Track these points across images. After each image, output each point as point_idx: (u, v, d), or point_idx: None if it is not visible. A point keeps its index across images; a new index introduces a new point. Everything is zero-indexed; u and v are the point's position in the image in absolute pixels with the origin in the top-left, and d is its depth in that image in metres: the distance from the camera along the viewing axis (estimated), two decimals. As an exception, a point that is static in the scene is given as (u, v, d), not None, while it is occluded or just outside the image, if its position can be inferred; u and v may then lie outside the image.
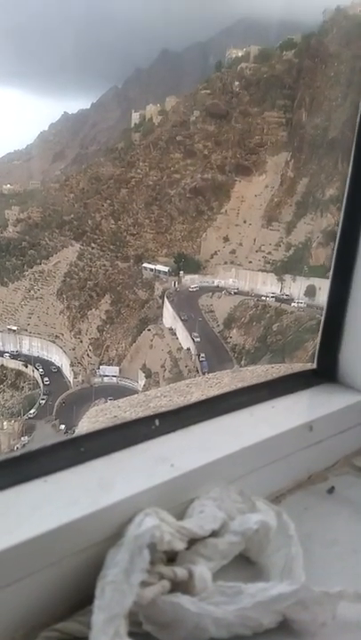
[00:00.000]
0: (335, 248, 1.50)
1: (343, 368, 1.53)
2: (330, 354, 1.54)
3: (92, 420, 2.18)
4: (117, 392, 57.64)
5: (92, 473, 1.04)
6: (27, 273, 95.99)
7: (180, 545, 0.97)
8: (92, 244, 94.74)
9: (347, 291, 1.49)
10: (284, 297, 73.38)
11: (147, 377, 67.51)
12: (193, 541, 1.00)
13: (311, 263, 74.90)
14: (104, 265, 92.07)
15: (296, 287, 73.50)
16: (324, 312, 1.56)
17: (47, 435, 56.67)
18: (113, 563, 0.90)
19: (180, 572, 0.93)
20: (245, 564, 1.07)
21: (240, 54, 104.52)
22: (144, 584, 0.88)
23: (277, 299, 73.10)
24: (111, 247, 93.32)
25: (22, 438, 60.99)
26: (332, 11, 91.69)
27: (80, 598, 0.92)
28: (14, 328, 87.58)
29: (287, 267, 77.49)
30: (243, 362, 59.38)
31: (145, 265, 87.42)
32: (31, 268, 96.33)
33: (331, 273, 1.52)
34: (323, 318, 1.57)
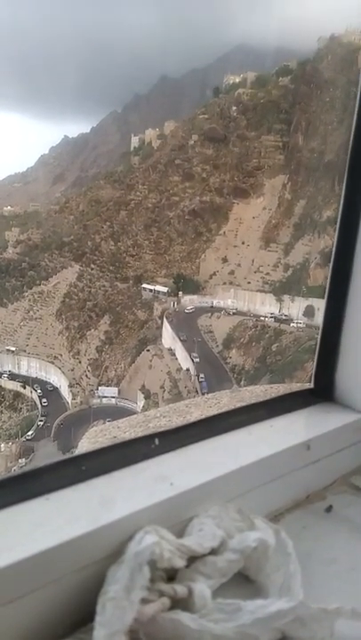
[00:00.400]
0: (330, 269, 1.52)
1: (340, 387, 1.54)
2: (327, 373, 1.56)
3: (91, 440, 2.19)
4: (116, 413, 57.17)
5: (93, 491, 1.05)
6: (26, 294, 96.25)
7: (179, 562, 0.98)
8: (92, 265, 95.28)
9: (342, 311, 1.50)
10: (283, 317, 73.50)
11: (146, 398, 67.09)
12: (192, 559, 1.01)
13: (309, 284, 75.26)
14: (103, 286, 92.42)
15: (295, 307, 73.71)
16: (320, 332, 1.57)
17: (45, 457, 56.01)
18: (114, 579, 0.91)
19: (179, 589, 0.94)
20: (244, 582, 1.08)
21: (237, 80, 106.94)
22: (144, 601, 0.89)
23: (276, 319, 73.21)
24: (110, 268, 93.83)
25: (20, 460, 60.26)
26: (326, 38, 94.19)
27: (81, 615, 0.93)
28: (13, 349, 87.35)
29: (286, 287, 77.87)
30: (242, 382, 59.12)
31: (144, 286, 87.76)
32: (31, 288, 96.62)
33: (326, 293, 1.53)
34: (319, 338, 1.58)
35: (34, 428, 69.89)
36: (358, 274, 1.47)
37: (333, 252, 1.50)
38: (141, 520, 0.99)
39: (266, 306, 77.83)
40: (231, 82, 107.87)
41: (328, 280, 1.52)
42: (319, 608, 0.95)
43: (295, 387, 1.84)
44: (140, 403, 66.66)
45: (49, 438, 64.90)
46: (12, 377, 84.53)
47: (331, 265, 1.52)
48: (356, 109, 1.42)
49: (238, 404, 1.89)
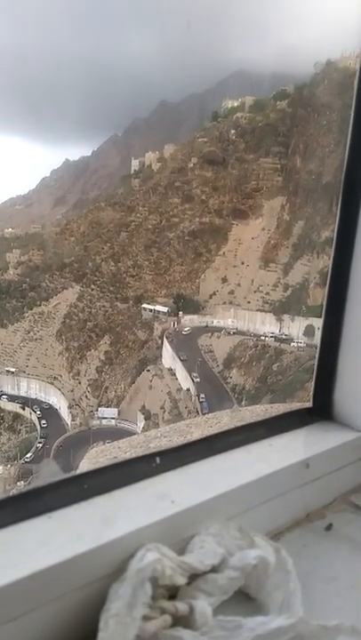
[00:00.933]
0: (326, 288, 1.54)
1: (338, 406, 1.56)
2: (325, 392, 1.57)
3: (92, 460, 2.18)
4: (116, 435, 56.54)
5: (94, 509, 1.06)
6: (26, 314, 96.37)
7: (180, 580, 0.98)
8: (92, 286, 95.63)
9: (339, 330, 1.52)
10: (284, 337, 73.43)
11: (146, 419, 66.53)
12: (194, 577, 1.02)
13: (309, 303, 75.39)
14: (104, 306, 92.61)
15: (295, 327, 73.69)
16: (317, 351, 1.60)
17: (44, 480, 55.34)
18: (116, 596, 0.92)
19: (181, 606, 0.95)
20: (245, 599, 1.08)
21: (235, 104, 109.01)
22: (146, 618, 0.89)
23: (277, 338, 73.13)
24: (111, 288, 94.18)
25: (18, 483, 59.42)
26: (322, 64, 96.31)
27: (84, 633, 0.93)
28: (12, 370, 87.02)
29: (285, 307, 78.05)
30: (243, 402, 58.70)
31: (144, 306, 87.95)
32: (31, 309, 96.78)
33: (323, 313, 1.55)
34: (317, 357, 1.60)
35: (33, 449, 69.14)
36: (354, 293, 1.48)
37: (330, 272, 1.52)
38: (143, 538, 1.00)
39: (266, 325, 77.85)
40: (230, 106, 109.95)
41: (325, 299, 1.54)
42: (319, 625, 0.95)
43: (294, 406, 1.85)
44: (141, 424, 66.08)
45: (48, 459, 64.13)
46: (12, 398, 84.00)
47: (327, 284, 1.54)
48: (350, 133, 1.44)
49: (238, 424, 1.89)
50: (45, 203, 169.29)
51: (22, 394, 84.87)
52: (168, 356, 73.46)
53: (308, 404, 1.61)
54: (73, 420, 75.45)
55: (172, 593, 0.99)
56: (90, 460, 2.20)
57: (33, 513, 1.02)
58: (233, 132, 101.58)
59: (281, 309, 78.39)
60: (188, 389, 65.07)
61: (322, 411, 1.57)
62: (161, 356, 76.20)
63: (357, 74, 1.43)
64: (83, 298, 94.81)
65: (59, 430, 73.39)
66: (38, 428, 75.95)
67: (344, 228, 1.47)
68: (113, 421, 73.24)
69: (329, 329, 1.56)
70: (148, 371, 74.99)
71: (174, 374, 69.98)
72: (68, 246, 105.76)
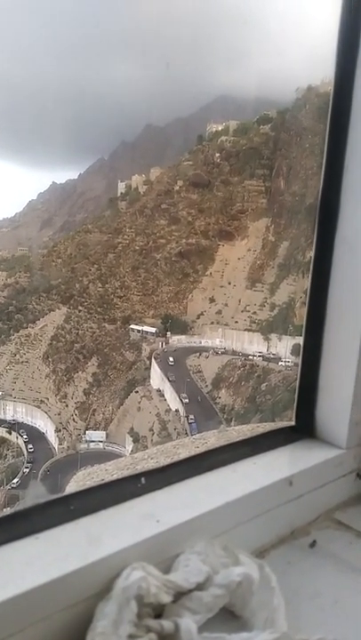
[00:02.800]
0: (306, 309, 1.57)
1: (320, 424, 1.57)
2: (307, 410, 1.59)
3: (79, 483, 2.22)
4: (104, 458, 55.47)
5: (81, 530, 1.06)
6: (13, 337, 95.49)
7: (166, 598, 0.99)
8: (80, 307, 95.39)
9: (319, 348, 1.54)
10: (271, 356, 73.68)
11: (135, 441, 65.74)
12: (179, 595, 1.02)
13: (296, 322, 75.84)
14: (91, 327, 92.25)
15: (282, 346, 74.02)
16: (299, 370, 1.62)
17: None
18: (102, 615, 0.92)
19: (166, 625, 0.95)
20: (230, 617, 1.09)
21: (220, 128, 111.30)
22: (132, 637, 0.90)
23: (264, 358, 73.33)
24: (98, 310, 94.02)
25: (5, 510, 57.95)
26: (303, 89, 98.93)
27: None
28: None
29: (273, 326, 78.52)
30: (233, 422, 58.40)
31: (132, 326, 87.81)
32: (17, 332, 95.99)
33: (303, 332, 1.57)
34: (298, 376, 1.62)
35: (19, 475, 67.71)
36: (332, 313, 1.51)
37: (308, 293, 1.55)
38: (129, 557, 1.01)
39: (254, 345, 78.10)
40: (214, 130, 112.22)
41: (305, 318, 1.57)
42: (302, 639, 0.97)
43: (278, 424, 1.88)
44: (129, 446, 65.24)
45: (35, 481, 62.85)
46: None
47: (306, 305, 1.57)
48: (325, 157, 1.49)
49: (224, 443, 1.88)
50: (32, 225, 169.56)
51: (8, 418, 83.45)
52: (157, 377, 73.11)
53: (292, 423, 1.63)
54: (60, 444, 74.25)
55: (158, 611, 1.00)
56: (77, 483, 2.22)
57: (19, 534, 1.02)
58: (218, 155, 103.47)
59: (268, 329, 78.83)
60: (177, 410, 64.63)
61: (305, 428, 1.59)
62: (149, 376, 75.81)
63: (331, 99, 1.49)
64: (70, 319, 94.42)
65: (46, 454, 72.09)
66: (25, 452, 74.52)
67: (321, 250, 1.51)
68: (101, 444, 72.22)
69: (310, 348, 1.58)
70: (137, 392, 74.46)
71: (163, 395, 69.56)
72: (55, 268, 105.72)
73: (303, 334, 1.59)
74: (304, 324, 1.58)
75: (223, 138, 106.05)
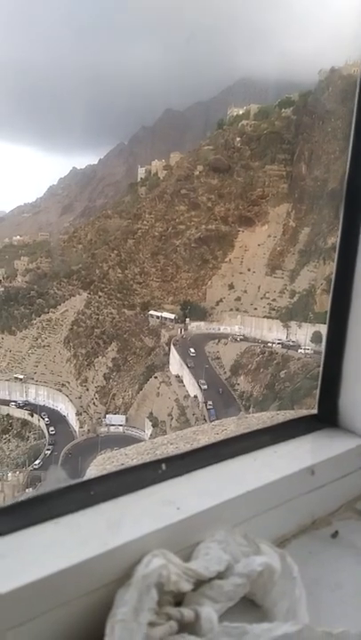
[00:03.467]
0: (330, 295, 1.59)
1: (343, 413, 1.57)
2: (330, 399, 1.59)
3: (99, 467, 2.26)
4: (124, 442, 56.49)
5: (101, 515, 1.07)
6: (34, 321, 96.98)
7: (186, 586, 0.99)
8: (100, 293, 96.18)
9: (343, 337, 1.56)
10: (291, 343, 73.38)
11: (154, 425, 66.64)
12: (199, 583, 1.03)
13: (316, 310, 75.37)
14: (111, 313, 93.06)
15: (302, 333, 73.64)
16: (322, 358, 1.65)
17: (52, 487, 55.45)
18: (122, 602, 0.92)
19: (186, 613, 0.95)
20: (251, 606, 1.09)
21: (241, 112, 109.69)
22: (152, 624, 0.90)
23: (284, 345, 73.07)
24: (118, 295, 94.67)
25: (27, 490, 59.67)
26: (326, 71, 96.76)
27: (91, 638, 0.94)
28: (21, 377, 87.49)
29: (292, 313, 78.06)
30: (251, 409, 58.75)
31: (151, 312, 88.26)
32: (39, 316, 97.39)
33: (327, 319, 1.60)
34: (321, 364, 1.65)
35: (41, 457, 69.34)
36: (358, 300, 1.51)
37: (333, 280, 1.55)
38: (149, 544, 1.01)
39: (273, 332, 77.82)
40: (235, 114, 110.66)
41: (329, 306, 1.58)
42: (324, 631, 0.96)
43: (299, 413, 1.93)
44: (148, 430, 66.18)
45: (55, 465, 64.34)
46: (20, 405, 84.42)
47: (331, 292, 1.57)
48: (352, 141, 1.46)
49: (244, 431, 2.02)
50: (53, 211, 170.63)
51: (31, 400, 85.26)
52: (175, 363, 73.63)
53: (314, 411, 1.64)
54: (81, 427, 75.66)
55: (178, 599, 1.00)
56: (97, 467, 2.26)
57: (39, 519, 1.03)
58: (238, 139, 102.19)
59: (288, 316, 78.39)
60: (196, 396, 65.16)
61: (327, 417, 1.59)
62: (168, 362, 76.38)
63: (358, 81, 1.44)
64: (90, 305, 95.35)
65: (67, 437, 73.55)
66: (47, 434, 76.21)
67: (347, 236, 1.52)
68: (121, 428, 73.37)
69: (333, 336, 1.59)
70: (156, 377, 75.16)
71: (182, 381, 70.10)
72: (75, 254, 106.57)
73: (327, 321, 1.61)
74: (328, 310, 1.59)
75: (244, 122, 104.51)
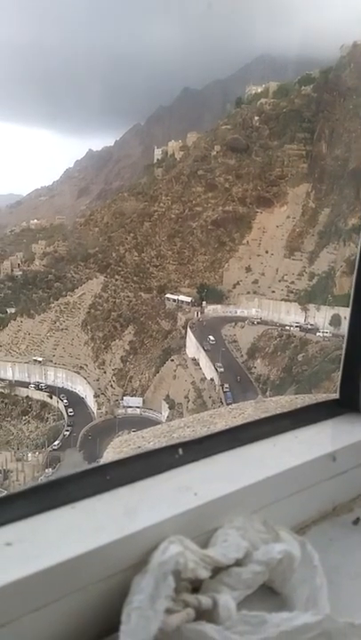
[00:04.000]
0: (354, 277, 1.51)
1: None
2: (352, 384, 1.54)
3: (116, 450, 2.21)
4: (141, 423, 57.26)
5: (117, 500, 1.06)
6: (52, 305, 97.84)
7: (204, 573, 0.98)
8: (116, 276, 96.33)
9: None
10: (309, 326, 72.67)
11: (170, 408, 67.06)
12: (217, 570, 1.01)
13: (335, 292, 74.33)
14: (128, 296, 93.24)
15: (321, 316, 72.81)
16: (345, 342, 1.57)
17: (72, 467, 56.41)
18: (138, 589, 0.92)
19: (204, 600, 0.95)
20: (269, 594, 1.07)
21: (259, 90, 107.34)
22: (169, 611, 0.89)
23: (302, 328, 72.41)
24: (135, 279, 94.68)
25: (46, 470, 60.81)
26: (348, 46, 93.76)
27: (107, 624, 0.94)
28: (40, 359, 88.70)
29: (311, 296, 77.10)
30: (268, 393, 58.58)
31: (168, 296, 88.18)
32: (57, 300, 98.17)
33: (350, 302, 1.52)
34: (344, 348, 1.57)
35: (60, 437, 70.53)
36: None
37: (357, 260, 1.49)
38: (165, 530, 1.00)
39: (291, 315, 77.11)
40: (253, 92, 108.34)
41: (352, 288, 1.51)
42: (346, 622, 0.94)
43: (320, 397, 1.85)
44: (165, 413, 66.65)
45: (75, 448, 65.37)
46: (39, 387, 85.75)
47: (355, 273, 1.50)
48: None
49: (263, 415, 1.90)
50: (69, 193, 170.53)
51: (49, 383, 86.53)
52: (192, 346, 73.66)
53: (335, 396, 1.58)
54: (99, 409, 76.61)
55: (196, 586, 0.99)
56: (114, 450, 2.22)
57: (56, 503, 1.02)
58: (257, 118, 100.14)
59: (306, 299, 77.48)
60: (212, 379, 65.24)
61: (349, 402, 1.53)
62: (185, 345, 76.45)
63: None
64: (107, 288, 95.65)
65: (85, 419, 74.61)
66: (65, 416, 77.40)
67: None
68: (138, 410, 74.05)
69: (356, 318, 1.53)
70: (172, 360, 75.38)
71: (198, 364, 70.19)
72: (92, 237, 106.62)
73: (351, 304, 1.52)
74: (352, 293, 1.51)
75: (263, 100, 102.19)
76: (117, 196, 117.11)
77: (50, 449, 67.42)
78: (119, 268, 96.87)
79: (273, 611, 0.96)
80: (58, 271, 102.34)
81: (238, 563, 1.03)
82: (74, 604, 0.92)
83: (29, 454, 67.13)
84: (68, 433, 70.90)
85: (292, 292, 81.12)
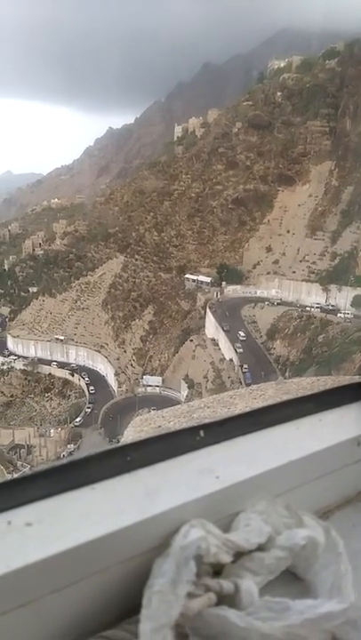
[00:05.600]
0: None
1: None
2: None
3: (136, 429, 2.25)
4: (160, 402, 58.19)
5: (137, 482, 1.05)
6: (73, 284, 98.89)
7: (226, 558, 0.97)
8: (136, 256, 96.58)
9: None
10: (330, 307, 72.09)
11: (189, 387, 67.81)
12: (239, 555, 1.00)
13: (358, 272, 73.40)
14: (147, 276, 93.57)
15: (342, 297, 72.12)
16: None
17: (93, 444, 57.86)
18: (160, 573, 0.92)
19: (226, 585, 0.94)
20: (292, 579, 1.07)
21: (282, 65, 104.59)
22: (190, 596, 0.89)
23: (323, 309, 71.90)
24: (154, 259, 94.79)
25: (68, 446, 62.46)
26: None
27: (127, 606, 0.93)
28: (62, 338, 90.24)
29: (333, 276, 76.22)
30: (287, 373, 58.72)
31: (187, 276, 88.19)
32: (78, 279, 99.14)
33: None
34: None
35: (82, 414, 72.13)
36: None
37: None
38: (187, 513, 1.00)
39: (312, 296, 76.53)
40: (276, 67, 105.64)
41: None
42: None
43: (344, 380, 1.89)
44: (184, 392, 67.46)
45: (96, 425, 66.86)
46: (61, 365, 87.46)
47: None
48: None
49: (285, 397, 1.98)
50: (89, 172, 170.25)
51: (71, 361, 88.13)
52: (211, 327, 73.92)
53: (359, 379, 1.60)
54: (119, 387, 77.92)
55: (217, 569, 0.98)
56: (134, 429, 2.25)
57: (76, 484, 1.02)
58: (279, 94, 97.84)
59: (328, 279, 76.64)
60: (231, 360, 65.57)
61: None
62: (204, 326, 76.75)
63: None
64: (127, 268, 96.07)
65: (106, 396, 76.06)
66: (87, 393, 79.00)
67: None
68: (157, 389, 75.09)
69: None
70: (192, 341, 75.85)
71: (217, 344, 70.51)
72: (112, 216, 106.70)
73: None
74: None
75: (285, 75, 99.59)
76: (137, 175, 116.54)
77: (72, 425, 69.05)
78: (139, 248, 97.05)
79: (296, 597, 0.95)
80: (78, 251, 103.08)
81: (261, 547, 1.02)
82: (94, 586, 0.93)
83: (52, 430, 68.89)
84: (89, 410, 72.44)
85: (313, 273, 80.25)
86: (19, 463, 53.24)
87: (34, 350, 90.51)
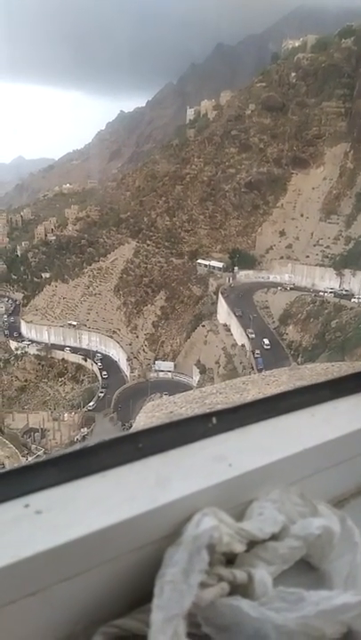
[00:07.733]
0: None
1: None
2: None
3: (148, 414, 2.23)
4: (172, 387, 58.46)
5: (149, 470, 1.04)
6: (86, 270, 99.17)
7: (239, 547, 0.95)
8: (148, 241, 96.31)
9: None
10: (344, 292, 71.40)
11: (201, 373, 67.95)
12: (252, 544, 0.98)
13: (372, 257, 72.49)
14: (159, 261, 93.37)
15: (356, 282, 71.36)
16: None
17: (106, 428, 58.50)
18: (172, 562, 0.90)
19: (239, 574, 0.92)
20: (307, 569, 1.05)
21: (296, 44, 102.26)
22: (203, 585, 0.88)
23: (336, 294, 71.23)
24: (166, 244, 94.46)
25: (82, 430, 63.25)
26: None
27: (138, 596, 0.93)
28: (74, 323, 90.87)
29: (347, 261, 75.32)
30: (300, 359, 58.49)
31: (199, 261, 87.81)
32: (90, 265, 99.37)
33: None
34: None
35: (95, 399, 72.87)
36: None
37: None
38: (199, 501, 0.98)
39: (325, 281, 75.80)
40: (290, 47, 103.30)
41: None
42: None
43: (358, 366, 1.87)
44: (196, 377, 67.63)
45: (109, 409, 67.51)
46: (74, 350, 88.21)
47: None
48: None
49: (298, 383, 1.92)
50: (101, 157, 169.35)
51: (84, 346, 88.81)
52: (223, 312, 73.72)
53: None
54: (132, 372, 78.41)
55: (230, 559, 0.96)
56: (146, 414, 2.23)
57: (87, 471, 1.01)
58: (293, 74, 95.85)
59: (342, 264, 75.78)
60: (243, 345, 65.43)
61: None
62: (216, 311, 76.59)
63: None
64: (139, 254, 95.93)
65: (118, 381, 76.68)
66: (100, 378, 79.72)
67: None
68: (169, 374, 75.39)
69: None
70: (204, 326, 75.80)
71: (229, 330, 70.37)
72: (123, 201, 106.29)
73: None
74: None
75: (300, 55, 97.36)
76: (149, 159, 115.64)
77: (85, 409, 69.84)
78: (151, 234, 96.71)
79: (310, 587, 0.93)
80: (90, 236, 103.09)
81: (274, 537, 1.00)
82: (104, 575, 0.92)
83: (65, 414, 69.73)
84: (102, 394, 73.16)
85: (327, 257, 79.35)
86: (33, 446, 54.07)
87: (47, 335, 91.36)
